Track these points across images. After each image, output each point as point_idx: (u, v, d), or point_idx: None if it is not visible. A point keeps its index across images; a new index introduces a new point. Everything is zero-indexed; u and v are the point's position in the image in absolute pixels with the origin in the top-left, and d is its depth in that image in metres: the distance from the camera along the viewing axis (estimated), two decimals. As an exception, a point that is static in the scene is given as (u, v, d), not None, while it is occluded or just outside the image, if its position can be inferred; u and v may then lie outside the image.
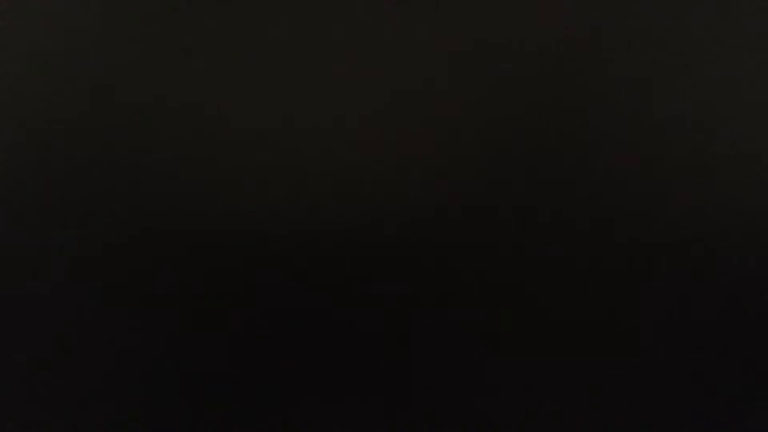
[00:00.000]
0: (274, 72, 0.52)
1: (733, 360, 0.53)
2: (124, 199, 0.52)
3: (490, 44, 0.52)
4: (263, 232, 0.52)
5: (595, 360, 0.53)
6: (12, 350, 0.52)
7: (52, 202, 0.52)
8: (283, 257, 0.52)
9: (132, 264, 0.52)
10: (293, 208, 0.52)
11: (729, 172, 0.52)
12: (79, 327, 0.52)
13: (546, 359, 0.52)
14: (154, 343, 0.52)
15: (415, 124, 0.52)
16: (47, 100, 0.52)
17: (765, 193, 0.52)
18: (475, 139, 0.52)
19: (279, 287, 0.52)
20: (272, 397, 0.53)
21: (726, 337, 0.53)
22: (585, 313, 0.52)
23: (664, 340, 0.52)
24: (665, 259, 0.52)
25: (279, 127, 0.52)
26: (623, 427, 0.53)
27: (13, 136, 0.52)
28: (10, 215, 0.52)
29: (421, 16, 0.52)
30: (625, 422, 0.53)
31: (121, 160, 0.52)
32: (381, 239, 0.52)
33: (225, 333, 0.52)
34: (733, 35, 0.53)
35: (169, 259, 0.52)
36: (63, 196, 0.52)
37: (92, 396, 0.53)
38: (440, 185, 0.52)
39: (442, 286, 0.52)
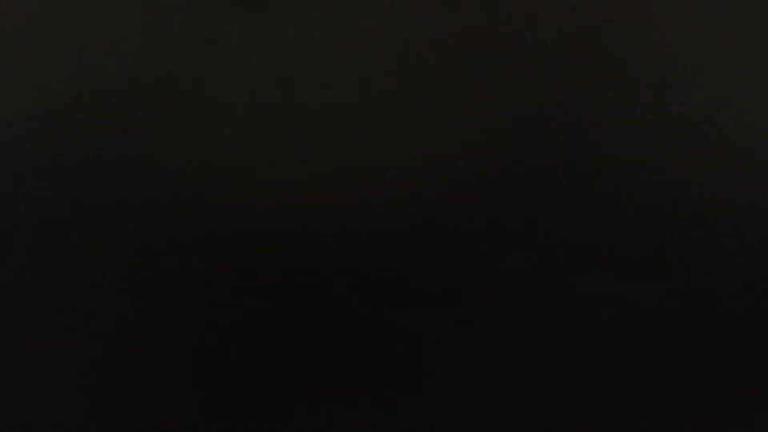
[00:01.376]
0: (274, 62, 0.52)
1: (736, 357, 0.53)
2: (116, 189, 0.52)
3: (494, 36, 0.52)
4: (261, 224, 0.52)
5: (598, 358, 0.53)
6: (8, 344, 0.52)
7: (45, 194, 0.52)
8: (280, 249, 0.52)
9: (125, 255, 0.52)
10: (292, 200, 0.52)
11: (732, 167, 0.52)
12: (74, 321, 0.52)
13: (551, 355, 0.52)
14: (147, 337, 0.52)
15: (419, 119, 0.52)
16: (39, 93, 0.52)
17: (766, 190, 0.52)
18: (478, 133, 0.52)
19: (277, 280, 0.52)
20: (271, 393, 0.53)
21: (729, 334, 0.53)
22: (589, 309, 0.52)
23: (668, 337, 0.52)
24: (670, 255, 0.52)
25: (278, 122, 0.52)
26: (630, 424, 0.53)
27: (9, 131, 0.52)
28: (6, 209, 0.52)
29: (422, 5, 0.52)
30: (632, 418, 0.53)
31: (113, 153, 0.52)
32: (380, 233, 0.52)
33: (226, 326, 0.52)
34: (735, 32, 0.53)
35: (163, 251, 0.52)
36: (56, 188, 0.52)
37: (88, 391, 0.53)
38: (446, 178, 0.52)
39: (445, 277, 0.52)
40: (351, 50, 0.52)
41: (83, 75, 0.52)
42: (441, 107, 0.52)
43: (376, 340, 0.52)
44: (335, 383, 0.52)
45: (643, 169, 0.52)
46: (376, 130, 0.52)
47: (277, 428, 0.53)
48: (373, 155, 0.52)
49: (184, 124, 0.52)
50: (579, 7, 0.52)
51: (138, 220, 0.52)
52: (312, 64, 0.52)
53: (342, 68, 0.52)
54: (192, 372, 0.52)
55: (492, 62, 0.52)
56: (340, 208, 0.52)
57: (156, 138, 0.52)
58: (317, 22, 0.52)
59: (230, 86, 0.52)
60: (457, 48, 0.52)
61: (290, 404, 0.53)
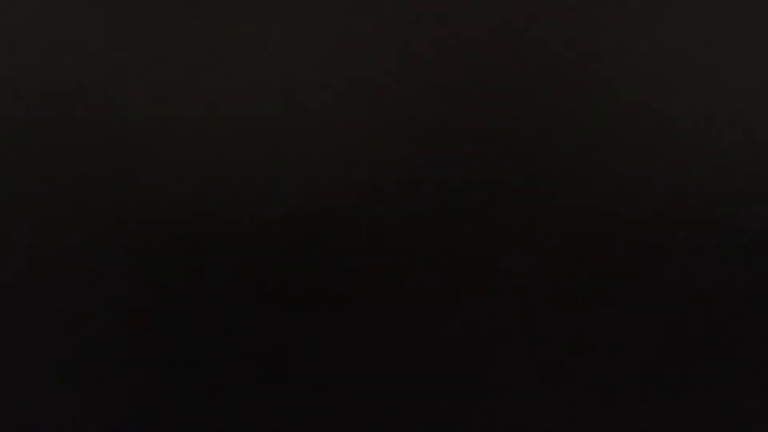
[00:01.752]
0: (274, 61, 0.52)
1: (735, 355, 0.53)
2: (116, 189, 0.52)
3: (494, 36, 0.52)
4: (261, 224, 0.52)
5: (598, 357, 0.53)
6: (8, 344, 0.52)
7: (45, 194, 0.52)
8: (281, 249, 0.52)
9: (125, 255, 0.52)
10: (292, 200, 0.52)
11: (732, 167, 0.52)
12: (74, 321, 0.52)
13: (551, 355, 0.52)
14: (147, 337, 0.52)
15: (419, 119, 0.52)
16: (40, 92, 0.52)
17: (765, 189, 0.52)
18: (478, 132, 0.52)
19: (277, 280, 0.52)
20: (271, 393, 0.53)
21: (729, 334, 0.53)
22: (589, 309, 0.52)
23: (668, 337, 0.52)
24: (670, 255, 0.52)
25: (278, 122, 0.52)
26: (630, 424, 0.53)
27: (9, 130, 0.52)
28: (6, 209, 0.52)
29: (422, 5, 0.52)
30: (633, 418, 0.53)
31: (113, 153, 0.52)
32: (380, 233, 0.52)
33: (226, 326, 0.52)
34: (735, 32, 0.53)
35: (163, 251, 0.52)
36: (56, 188, 0.52)
37: (88, 391, 0.53)
38: (446, 178, 0.52)
39: (445, 278, 0.52)
40: (351, 50, 0.52)
41: (84, 74, 0.52)
42: (441, 107, 0.52)
43: (376, 340, 0.52)
44: (335, 383, 0.52)
45: (643, 169, 0.52)
46: (376, 130, 0.52)
47: (276, 428, 0.53)
48: (373, 155, 0.52)
49: (185, 123, 0.52)
50: (579, 7, 0.52)
51: (138, 220, 0.52)
52: (312, 64, 0.52)
53: (342, 68, 0.52)
54: (192, 372, 0.52)
55: (492, 62, 0.52)
56: (340, 207, 0.52)
57: (156, 138, 0.52)
58: (317, 22, 0.52)
59: (230, 86, 0.52)
60: (457, 48, 0.52)
61: (289, 404, 0.53)
